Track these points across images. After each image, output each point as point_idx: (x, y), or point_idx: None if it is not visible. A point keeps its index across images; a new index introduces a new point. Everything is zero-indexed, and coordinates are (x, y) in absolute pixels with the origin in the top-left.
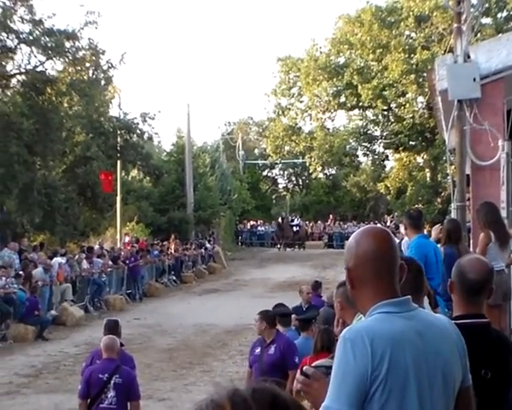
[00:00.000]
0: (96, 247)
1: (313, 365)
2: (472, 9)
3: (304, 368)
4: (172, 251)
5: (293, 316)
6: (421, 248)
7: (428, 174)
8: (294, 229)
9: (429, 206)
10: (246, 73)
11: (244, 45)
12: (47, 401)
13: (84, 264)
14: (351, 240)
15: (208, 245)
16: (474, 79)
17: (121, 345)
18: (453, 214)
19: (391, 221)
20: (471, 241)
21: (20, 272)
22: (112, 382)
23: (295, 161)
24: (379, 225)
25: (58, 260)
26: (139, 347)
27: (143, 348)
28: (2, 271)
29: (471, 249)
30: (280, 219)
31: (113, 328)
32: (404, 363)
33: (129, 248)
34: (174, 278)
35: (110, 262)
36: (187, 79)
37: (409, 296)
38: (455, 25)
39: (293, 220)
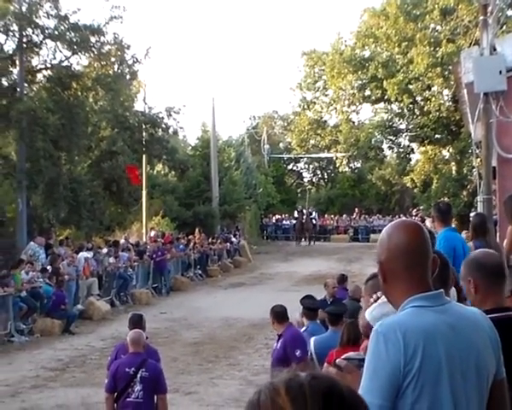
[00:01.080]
0: (122, 241)
1: (345, 356)
2: (498, 1)
3: (337, 361)
4: (197, 245)
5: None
6: (450, 241)
7: (454, 167)
8: (314, 222)
9: (455, 199)
10: (271, 67)
11: (269, 39)
12: (74, 395)
13: (111, 258)
14: (383, 234)
15: (234, 239)
16: (500, 72)
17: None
18: (479, 207)
19: (416, 214)
20: (497, 234)
21: (48, 267)
22: (138, 375)
23: (321, 155)
24: (404, 218)
25: (84, 254)
26: (165, 341)
27: (170, 342)
28: (29, 266)
29: (498, 242)
30: (297, 213)
31: (137, 322)
32: (436, 356)
33: (154, 243)
34: (200, 272)
35: (136, 256)
36: (212, 73)
37: (441, 290)
38: (481, 17)
39: (311, 213)
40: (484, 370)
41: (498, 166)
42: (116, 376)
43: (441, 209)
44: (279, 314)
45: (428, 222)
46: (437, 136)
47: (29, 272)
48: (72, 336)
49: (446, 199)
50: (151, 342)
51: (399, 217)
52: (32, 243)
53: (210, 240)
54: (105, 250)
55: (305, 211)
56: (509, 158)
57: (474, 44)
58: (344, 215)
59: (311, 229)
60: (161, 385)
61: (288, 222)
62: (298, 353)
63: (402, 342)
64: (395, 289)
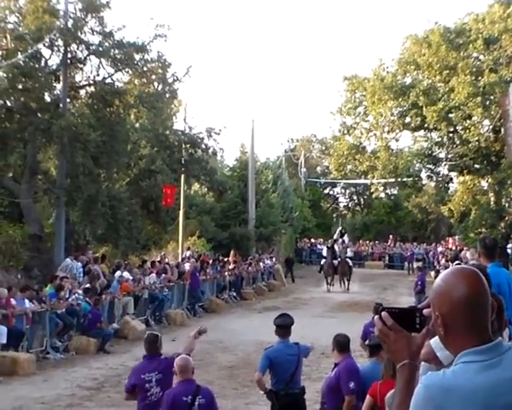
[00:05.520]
0: (157, 260)
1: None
2: None
3: (382, 314)
4: (232, 266)
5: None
6: (495, 277)
7: (492, 198)
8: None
9: (492, 230)
10: (311, 90)
11: (311, 63)
12: None
13: (147, 278)
14: (441, 284)
15: (268, 262)
16: None
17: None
18: None
19: (456, 245)
20: None
21: (87, 285)
22: (196, 403)
23: (358, 181)
24: (440, 248)
25: (121, 273)
26: (200, 363)
27: (204, 365)
28: (65, 281)
29: None
30: (326, 250)
31: (153, 341)
32: None
33: (189, 269)
34: (234, 294)
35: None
36: (252, 95)
37: (499, 339)
38: None
39: (346, 250)
40: None
41: None
42: (173, 406)
43: (487, 245)
44: (340, 344)
45: (469, 254)
46: (476, 166)
47: (67, 290)
48: (107, 356)
49: (484, 230)
50: None
51: (436, 245)
52: (74, 260)
53: (246, 262)
54: (141, 270)
55: (337, 247)
56: None
57: None
58: (376, 241)
59: (346, 272)
60: (216, 409)
61: (322, 247)
62: (352, 385)
63: (442, 404)
64: (456, 340)
